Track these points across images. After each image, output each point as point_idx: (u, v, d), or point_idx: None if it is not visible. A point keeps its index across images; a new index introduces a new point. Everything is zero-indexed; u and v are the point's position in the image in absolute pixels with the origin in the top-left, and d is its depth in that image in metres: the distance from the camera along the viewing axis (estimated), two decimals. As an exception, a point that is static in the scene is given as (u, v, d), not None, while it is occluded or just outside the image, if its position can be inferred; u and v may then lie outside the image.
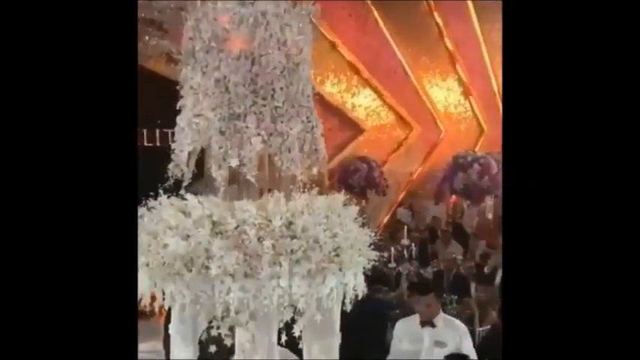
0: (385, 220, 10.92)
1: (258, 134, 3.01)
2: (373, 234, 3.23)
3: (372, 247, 3.19)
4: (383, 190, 10.28)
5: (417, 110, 11.46)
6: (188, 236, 2.92)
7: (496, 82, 12.02)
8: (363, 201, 9.26)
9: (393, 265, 6.93)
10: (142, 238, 3.04)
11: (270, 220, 2.92)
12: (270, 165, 3.11)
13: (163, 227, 3.01)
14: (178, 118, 3.20)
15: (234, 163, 2.95)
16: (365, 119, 11.08)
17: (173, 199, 3.13)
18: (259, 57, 3.03)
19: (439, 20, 11.61)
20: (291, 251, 2.83)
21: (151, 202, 3.17)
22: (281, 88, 3.05)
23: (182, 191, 3.14)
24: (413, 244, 7.26)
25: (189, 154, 3.11)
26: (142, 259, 2.94)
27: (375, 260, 3.12)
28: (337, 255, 2.94)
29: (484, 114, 11.94)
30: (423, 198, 11.14)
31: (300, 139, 3.10)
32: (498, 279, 6.47)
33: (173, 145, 3.20)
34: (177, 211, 3.04)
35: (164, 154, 3.21)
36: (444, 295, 6.50)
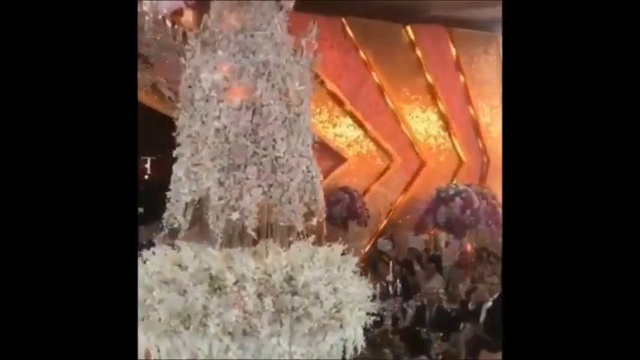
0: (366, 250, 10.87)
1: (259, 185, 2.96)
2: (372, 285, 3.18)
3: (370, 298, 3.14)
4: (365, 220, 10.25)
5: (398, 141, 11.51)
6: (185, 291, 2.84)
7: (474, 115, 12.16)
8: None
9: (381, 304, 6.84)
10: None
11: (269, 275, 2.85)
12: (268, 215, 3.04)
13: (158, 281, 2.93)
14: (175, 167, 3.14)
15: (234, 216, 2.88)
16: (346, 149, 11.09)
17: (168, 250, 3.05)
18: (260, 107, 2.98)
19: (419, 52, 11.73)
20: (292, 308, 2.77)
21: (145, 254, 3.09)
22: (282, 139, 3.01)
23: (177, 242, 3.06)
24: (398, 280, 7.23)
25: (187, 204, 3.03)
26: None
27: (375, 314, 3.06)
28: (338, 311, 2.89)
29: (463, 146, 12.05)
30: (404, 228, 11.13)
31: (300, 190, 3.05)
32: (484, 315, 6.45)
33: (169, 194, 3.13)
34: (172, 264, 2.96)
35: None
36: (429, 332, 6.46)
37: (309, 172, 3.12)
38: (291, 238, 3.06)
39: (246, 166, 2.96)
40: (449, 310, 7.42)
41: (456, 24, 11.83)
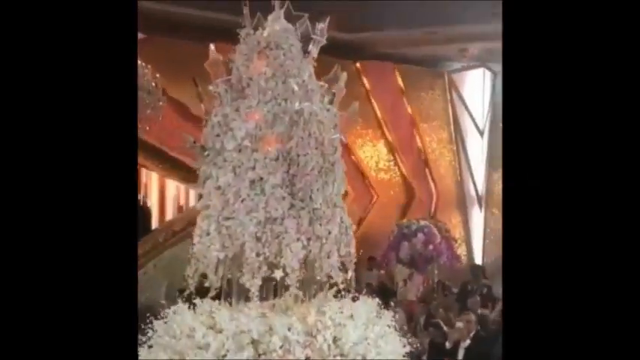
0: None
1: (298, 239, 2.80)
2: (406, 340, 3.07)
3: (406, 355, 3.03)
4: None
5: (350, 175, 11.52)
6: (225, 356, 2.63)
7: (423, 148, 12.36)
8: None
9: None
10: (161, 357, 2.71)
11: (314, 336, 2.69)
12: (307, 270, 2.89)
13: (191, 345, 2.70)
14: (200, 220, 2.93)
15: (278, 274, 2.71)
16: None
17: (197, 309, 2.83)
18: (297, 157, 2.84)
19: (368, 87, 11.87)
20: (344, 371, 2.61)
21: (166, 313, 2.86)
22: (318, 189, 2.87)
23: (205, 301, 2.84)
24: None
25: (219, 261, 2.82)
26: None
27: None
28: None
29: (412, 180, 12.21)
30: (358, 264, 11.08)
31: (337, 243, 2.91)
32: (462, 354, 6.42)
33: (195, 250, 2.91)
34: (204, 326, 2.74)
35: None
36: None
37: (342, 222, 2.99)
38: (327, 292, 2.91)
39: (283, 219, 2.80)
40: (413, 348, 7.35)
41: (402, 61, 12.07)
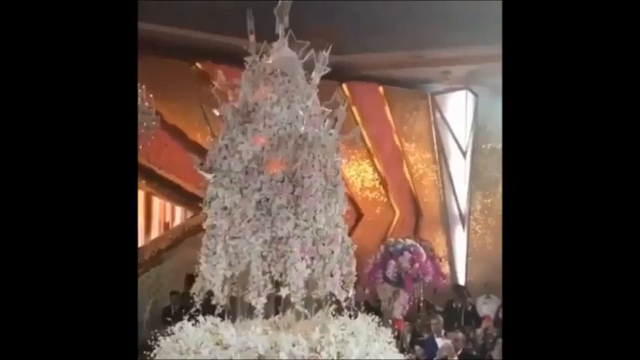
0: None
1: (302, 258, 2.91)
2: (403, 355, 3.17)
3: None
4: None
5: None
6: (232, 373, 2.71)
7: (408, 170, 12.52)
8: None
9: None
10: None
11: (318, 352, 2.79)
12: (310, 288, 2.99)
13: (198, 361, 2.78)
14: (206, 239, 3.02)
15: (284, 292, 2.81)
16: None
17: (203, 325, 2.92)
18: (301, 179, 2.96)
19: (354, 108, 12.04)
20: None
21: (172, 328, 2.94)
22: (321, 210, 2.99)
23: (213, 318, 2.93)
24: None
25: (225, 279, 2.92)
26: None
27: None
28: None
29: (397, 199, 12.35)
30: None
31: (339, 262, 3.03)
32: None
33: (200, 268, 3.00)
34: (213, 343, 2.82)
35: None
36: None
37: (344, 242, 3.10)
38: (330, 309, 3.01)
39: (288, 239, 2.91)
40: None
41: (387, 82, 12.27)
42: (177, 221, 11.88)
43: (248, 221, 2.91)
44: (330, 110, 3.18)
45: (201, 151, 9.98)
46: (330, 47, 3.22)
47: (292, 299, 2.85)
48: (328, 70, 3.17)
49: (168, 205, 12.17)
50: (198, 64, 9.92)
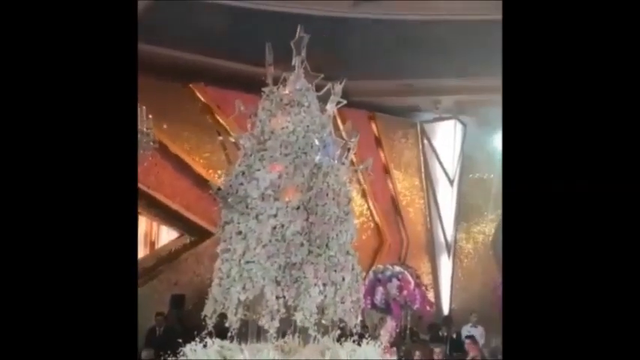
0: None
1: (315, 284, 2.98)
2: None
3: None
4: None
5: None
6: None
7: (395, 195, 12.66)
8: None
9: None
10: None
11: (329, 376, 2.85)
12: (322, 314, 3.06)
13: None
14: (220, 263, 3.09)
15: (298, 317, 2.88)
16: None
17: (214, 348, 2.97)
18: (315, 207, 3.05)
19: (344, 134, 12.18)
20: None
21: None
22: (333, 238, 3.08)
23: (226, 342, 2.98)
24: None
25: (239, 302, 2.98)
26: None
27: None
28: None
29: (385, 225, 12.46)
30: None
31: (350, 289, 3.11)
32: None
33: (214, 291, 3.06)
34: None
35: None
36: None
37: (353, 269, 3.19)
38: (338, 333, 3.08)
39: (302, 265, 2.99)
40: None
41: (377, 110, 12.45)
42: (163, 241, 11.85)
43: (263, 246, 2.98)
44: (344, 141, 3.28)
45: (190, 172, 10.05)
46: (344, 81, 3.34)
47: (305, 324, 2.91)
48: (344, 102, 3.28)
49: (154, 224, 12.15)
50: (191, 85, 10.01)
